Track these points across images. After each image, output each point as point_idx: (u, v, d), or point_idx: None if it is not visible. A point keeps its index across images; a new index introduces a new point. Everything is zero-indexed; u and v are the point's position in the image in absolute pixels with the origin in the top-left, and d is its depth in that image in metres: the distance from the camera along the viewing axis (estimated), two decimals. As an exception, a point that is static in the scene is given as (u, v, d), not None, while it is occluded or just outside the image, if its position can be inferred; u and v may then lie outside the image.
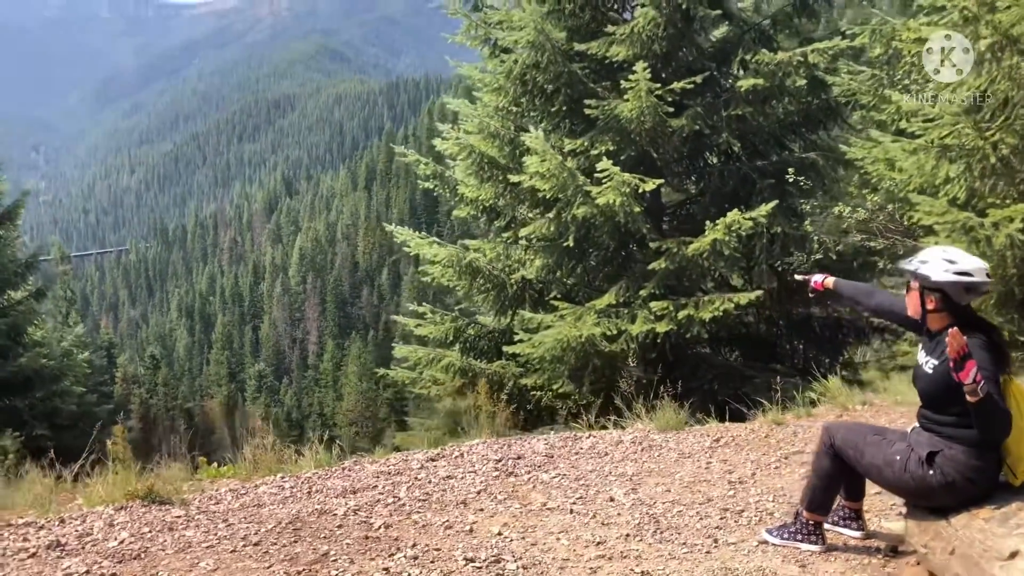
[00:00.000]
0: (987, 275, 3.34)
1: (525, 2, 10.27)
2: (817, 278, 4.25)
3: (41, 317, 17.84)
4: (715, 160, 11.41)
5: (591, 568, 3.62)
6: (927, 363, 3.40)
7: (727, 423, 6.20)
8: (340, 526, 4.18)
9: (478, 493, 4.68)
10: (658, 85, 9.42)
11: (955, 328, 2.96)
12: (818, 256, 10.10)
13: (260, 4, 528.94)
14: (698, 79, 9.78)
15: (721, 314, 9.23)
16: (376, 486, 4.84)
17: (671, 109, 9.71)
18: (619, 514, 4.28)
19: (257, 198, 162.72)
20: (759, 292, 9.34)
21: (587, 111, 9.90)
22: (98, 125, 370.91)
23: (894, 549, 3.67)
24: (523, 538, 3.99)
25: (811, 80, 10.28)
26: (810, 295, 4.25)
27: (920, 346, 3.53)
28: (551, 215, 10.18)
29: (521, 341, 10.10)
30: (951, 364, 2.96)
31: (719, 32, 11.43)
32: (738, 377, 10.79)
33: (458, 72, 12.02)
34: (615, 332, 9.68)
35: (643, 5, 9.93)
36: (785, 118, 11.02)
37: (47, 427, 15.64)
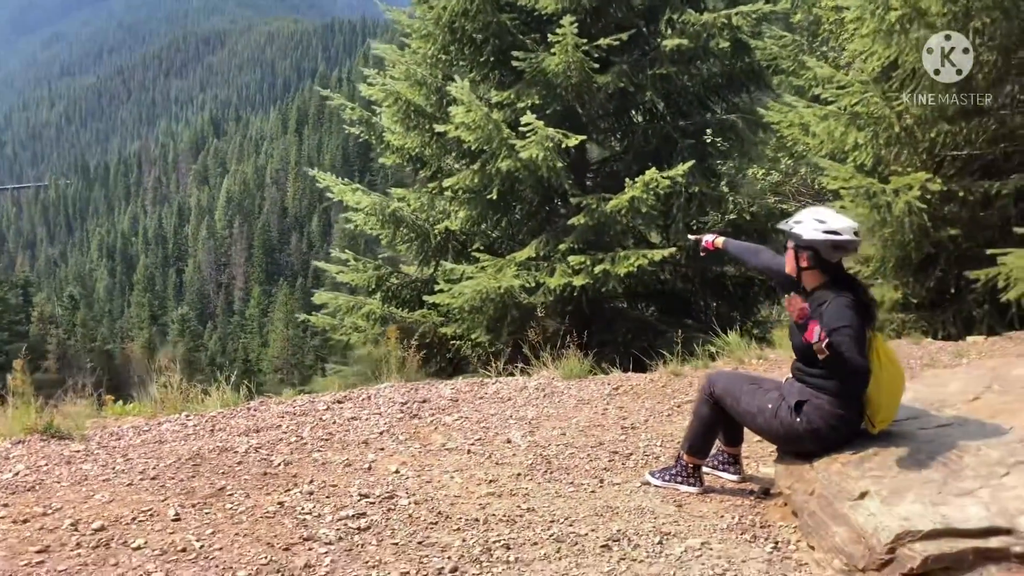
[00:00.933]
0: (855, 234, 3.55)
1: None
2: (708, 238, 4.43)
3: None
4: (640, 119, 11.54)
5: (480, 504, 3.77)
6: None
7: (629, 373, 6.43)
8: (240, 463, 4.25)
9: (380, 434, 4.79)
10: (585, 40, 9.48)
11: (793, 294, 3.22)
12: (732, 216, 10.37)
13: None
14: (624, 36, 9.85)
15: (635, 270, 9.42)
16: (280, 426, 4.91)
17: (597, 65, 9.78)
18: (514, 455, 4.45)
19: (183, 137, 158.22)
20: (672, 249, 9.55)
21: (514, 63, 9.91)
22: (15, 54, 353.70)
23: (766, 491, 3.91)
24: (419, 476, 4.13)
25: (735, 43, 10.45)
26: (702, 254, 4.43)
27: None
28: (476, 167, 10.22)
29: (442, 291, 10.18)
30: (795, 327, 3.16)
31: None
32: (651, 331, 11.06)
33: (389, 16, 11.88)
34: (534, 284, 9.83)
35: (572, -42, 9.93)
36: (709, 79, 11.20)
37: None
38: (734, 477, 4.09)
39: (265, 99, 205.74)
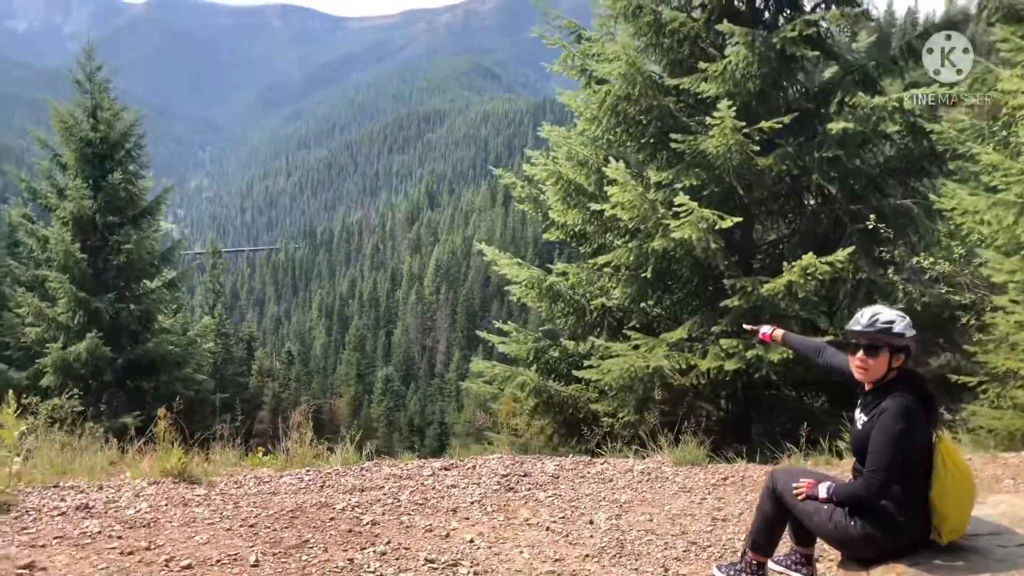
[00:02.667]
0: None
1: (622, 35, 10.51)
2: (765, 329, 4.32)
3: (171, 306, 19.18)
4: (811, 201, 11.26)
5: (537, 581, 3.84)
6: (859, 419, 3.48)
7: (748, 464, 6.23)
8: (332, 519, 4.54)
9: (471, 503, 4.95)
10: (744, 123, 9.45)
11: (803, 487, 3.55)
12: (902, 306, 9.83)
13: (418, 20, 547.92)
14: (786, 119, 9.75)
15: (790, 356, 9.15)
16: (383, 487, 5.18)
17: (758, 148, 9.70)
18: (591, 536, 4.47)
19: (401, 208, 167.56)
20: (831, 337, 9.19)
21: (673, 145, 10.02)
22: (261, 129, 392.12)
23: (833, 597, 3.72)
24: (490, 547, 4.24)
25: (911, 126, 10.07)
26: (756, 342, 4.35)
27: (858, 403, 3.59)
28: (632, 245, 10.34)
29: (591, 367, 10.28)
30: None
31: (826, 73, 11.36)
32: (814, 422, 10.60)
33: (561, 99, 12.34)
34: (685, 366, 9.73)
35: (736, 43, 10.00)
36: (886, 163, 10.83)
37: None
38: (805, 579, 3.91)
39: (477, 174, 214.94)
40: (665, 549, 4.31)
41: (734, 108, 9.30)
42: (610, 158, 10.20)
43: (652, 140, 10.59)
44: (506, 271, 11.46)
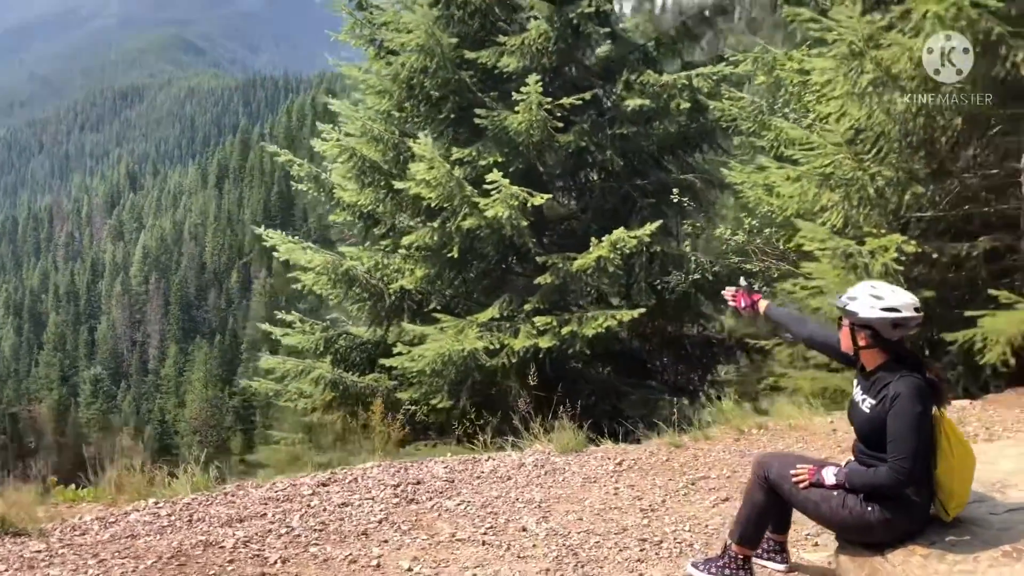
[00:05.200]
0: (916, 310, 3.31)
1: (417, 5, 10.01)
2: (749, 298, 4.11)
3: None
4: (595, 177, 11.42)
5: (517, 609, 3.38)
6: (864, 401, 3.35)
7: (623, 445, 6.08)
8: (231, 560, 3.77)
9: (379, 522, 4.35)
10: (548, 99, 9.34)
11: (804, 474, 3.37)
12: (695, 276, 10.25)
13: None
14: (587, 96, 9.79)
15: (603, 331, 9.22)
16: (265, 514, 4.42)
17: (561, 124, 9.64)
18: (534, 546, 4.06)
19: (98, 191, 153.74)
20: (642, 310, 9.36)
21: (476, 121, 9.71)
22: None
23: (822, 582, 3.61)
24: (436, 574, 3.71)
25: (696, 103, 10.46)
26: (741, 312, 4.09)
27: (856, 381, 3.48)
28: (435, 224, 9.92)
29: (400, 354, 9.76)
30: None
31: (602, 51, 11.49)
32: (614, 393, 10.84)
33: (340, 71, 11.58)
34: (497, 346, 9.50)
35: (535, 18, 9.86)
36: (664, 139, 11.19)
37: None
38: (782, 566, 3.77)
39: (184, 153, 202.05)
40: (620, 551, 4.00)
41: (540, 84, 9.16)
42: (419, 133, 9.70)
43: (451, 115, 10.20)
44: (292, 257, 10.59)
